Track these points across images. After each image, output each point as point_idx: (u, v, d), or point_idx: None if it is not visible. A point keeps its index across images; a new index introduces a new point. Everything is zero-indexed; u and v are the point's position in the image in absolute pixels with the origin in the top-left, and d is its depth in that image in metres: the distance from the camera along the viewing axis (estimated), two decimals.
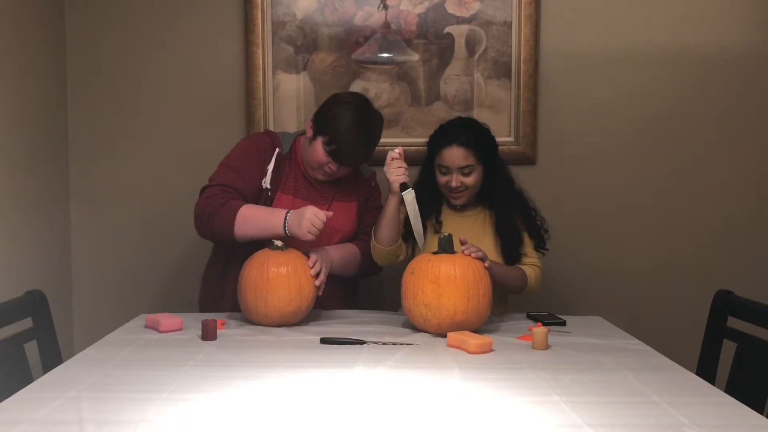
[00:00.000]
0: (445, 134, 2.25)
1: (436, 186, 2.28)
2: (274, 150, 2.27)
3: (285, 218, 2.09)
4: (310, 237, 2.06)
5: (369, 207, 2.36)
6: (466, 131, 2.24)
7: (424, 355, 1.81)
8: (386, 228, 2.19)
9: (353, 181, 2.34)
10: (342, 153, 2.15)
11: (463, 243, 2.06)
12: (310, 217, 2.05)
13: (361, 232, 2.34)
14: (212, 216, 2.13)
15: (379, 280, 2.61)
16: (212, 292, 2.35)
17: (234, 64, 2.76)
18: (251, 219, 2.12)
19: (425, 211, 2.23)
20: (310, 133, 2.22)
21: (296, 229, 2.06)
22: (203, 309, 2.34)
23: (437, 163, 2.25)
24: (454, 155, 2.21)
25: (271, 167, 2.23)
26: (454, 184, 2.22)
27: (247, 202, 2.19)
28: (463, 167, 2.22)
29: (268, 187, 2.23)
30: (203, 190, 2.22)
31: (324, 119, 2.19)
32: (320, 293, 2.08)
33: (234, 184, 2.19)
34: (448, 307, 1.91)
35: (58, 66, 2.74)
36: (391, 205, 2.17)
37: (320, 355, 1.78)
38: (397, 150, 2.19)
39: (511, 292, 2.30)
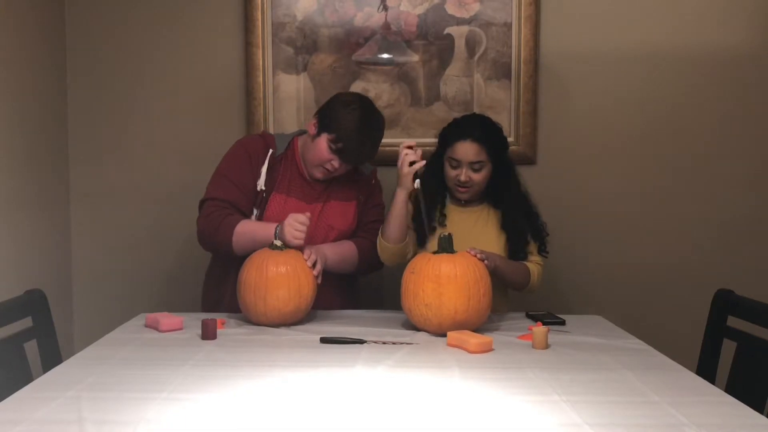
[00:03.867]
0: (460, 128, 2.28)
1: (443, 179, 2.29)
2: (268, 151, 2.28)
3: (275, 232, 2.12)
4: (298, 242, 2.09)
5: (369, 205, 2.36)
6: (481, 127, 2.27)
7: (424, 354, 1.80)
8: (395, 224, 2.18)
9: (352, 180, 2.34)
10: (348, 151, 2.17)
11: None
12: (290, 224, 2.09)
13: (360, 230, 2.34)
14: (212, 236, 2.20)
15: (380, 280, 2.61)
16: (211, 295, 2.36)
17: (234, 64, 2.76)
18: (247, 236, 2.16)
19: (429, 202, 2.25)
20: (313, 130, 2.23)
21: (283, 238, 2.10)
22: (204, 310, 2.35)
23: (448, 155, 2.26)
24: (467, 149, 2.22)
25: (264, 169, 2.25)
26: (463, 178, 2.23)
27: (244, 210, 2.22)
28: (474, 162, 2.23)
29: (263, 188, 2.24)
30: (201, 204, 2.25)
31: (330, 117, 2.20)
32: (319, 281, 2.09)
33: (229, 196, 2.22)
34: (449, 307, 1.91)
35: (58, 66, 2.74)
36: (399, 199, 2.16)
37: (320, 355, 1.78)
38: (409, 143, 2.18)
39: (514, 288, 2.31)
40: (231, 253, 2.19)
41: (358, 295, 2.47)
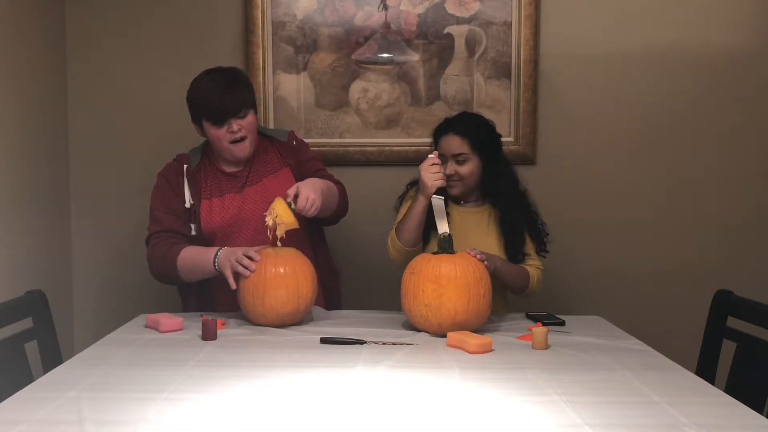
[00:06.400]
0: (445, 124, 2.31)
1: None
2: (183, 169, 2.28)
3: (215, 255, 2.09)
4: (232, 282, 2.01)
5: (303, 163, 2.35)
6: (464, 122, 2.30)
7: (424, 355, 1.81)
8: (412, 229, 2.19)
9: (273, 153, 2.34)
10: (213, 106, 2.16)
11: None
12: (239, 258, 2.02)
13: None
14: (160, 268, 2.18)
15: (380, 280, 2.60)
16: (183, 297, 2.38)
17: (234, 64, 2.73)
18: (189, 265, 2.14)
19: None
20: (198, 130, 2.26)
21: (224, 266, 2.05)
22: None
23: (438, 153, 2.27)
24: (449, 143, 2.25)
25: (186, 187, 2.25)
26: (448, 171, 2.23)
27: (185, 233, 2.22)
28: (457, 155, 2.24)
29: (192, 202, 2.24)
30: (147, 241, 2.25)
31: (190, 107, 2.24)
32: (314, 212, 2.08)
33: (166, 226, 2.22)
34: (448, 308, 1.91)
35: (58, 66, 2.74)
36: (420, 205, 2.17)
37: (320, 355, 1.78)
38: (434, 153, 2.19)
39: (513, 291, 2.30)
40: (184, 283, 2.21)
41: (340, 298, 2.47)
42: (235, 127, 2.18)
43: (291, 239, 2.16)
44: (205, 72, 2.26)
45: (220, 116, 2.17)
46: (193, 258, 2.14)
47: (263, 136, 2.36)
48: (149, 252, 2.22)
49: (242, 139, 2.21)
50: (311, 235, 2.36)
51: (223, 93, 2.17)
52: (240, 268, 2.01)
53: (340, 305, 2.43)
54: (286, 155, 2.35)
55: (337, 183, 2.34)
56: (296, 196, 2.07)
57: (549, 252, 2.35)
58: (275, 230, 2.06)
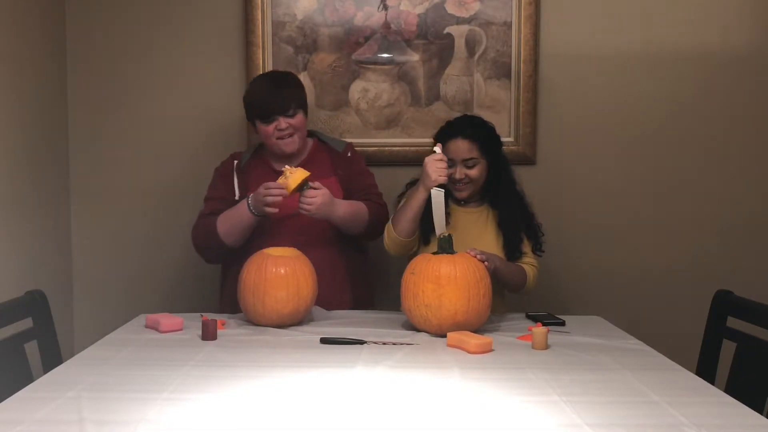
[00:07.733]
0: (451, 128, 2.32)
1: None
2: (234, 165, 2.43)
3: (248, 203, 2.22)
4: (272, 210, 2.16)
5: (355, 175, 2.41)
6: (471, 125, 2.31)
7: (424, 355, 1.81)
8: (409, 220, 2.20)
9: (325, 159, 2.41)
10: (263, 104, 2.30)
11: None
12: (260, 192, 2.17)
13: (360, 197, 2.36)
14: (202, 237, 2.32)
15: (379, 280, 2.61)
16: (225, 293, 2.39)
17: (234, 64, 2.76)
18: (227, 224, 2.27)
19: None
20: (253, 129, 2.41)
21: (258, 206, 2.19)
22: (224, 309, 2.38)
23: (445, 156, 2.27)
24: (459, 147, 2.25)
25: (235, 180, 2.39)
26: (457, 176, 2.25)
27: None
28: (467, 159, 2.25)
29: (240, 193, 2.35)
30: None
31: (245, 107, 2.39)
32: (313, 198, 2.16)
33: (216, 209, 2.33)
34: (448, 308, 1.91)
35: (58, 66, 2.74)
36: (420, 198, 2.18)
37: (320, 355, 1.78)
38: (438, 147, 2.20)
39: (510, 289, 2.31)
40: (225, 246, 2.28)
41: (372, 291, 2.48)
42: (283, 124, 2.30)
43: (325, 245, 2.28)
44: (259, 75, 2.40)
45: (268, 114, 2.30)
46: (229, 215, 2.27)
47: (320, 141, 2.45)
48: (193, 235, 2.35)
49: (290, 135, 2.31)
50: (345, 245, 2.37)
51: (271, 91, 2.32)
52: (270, 200, 2.14)
53: None
54: (338, 164, 2.41)
55: (378, 204, 2.37)
56: (315, 190, 2.16)
57: (545, 251, 2.36)
58: (283, 177, 2.17)
